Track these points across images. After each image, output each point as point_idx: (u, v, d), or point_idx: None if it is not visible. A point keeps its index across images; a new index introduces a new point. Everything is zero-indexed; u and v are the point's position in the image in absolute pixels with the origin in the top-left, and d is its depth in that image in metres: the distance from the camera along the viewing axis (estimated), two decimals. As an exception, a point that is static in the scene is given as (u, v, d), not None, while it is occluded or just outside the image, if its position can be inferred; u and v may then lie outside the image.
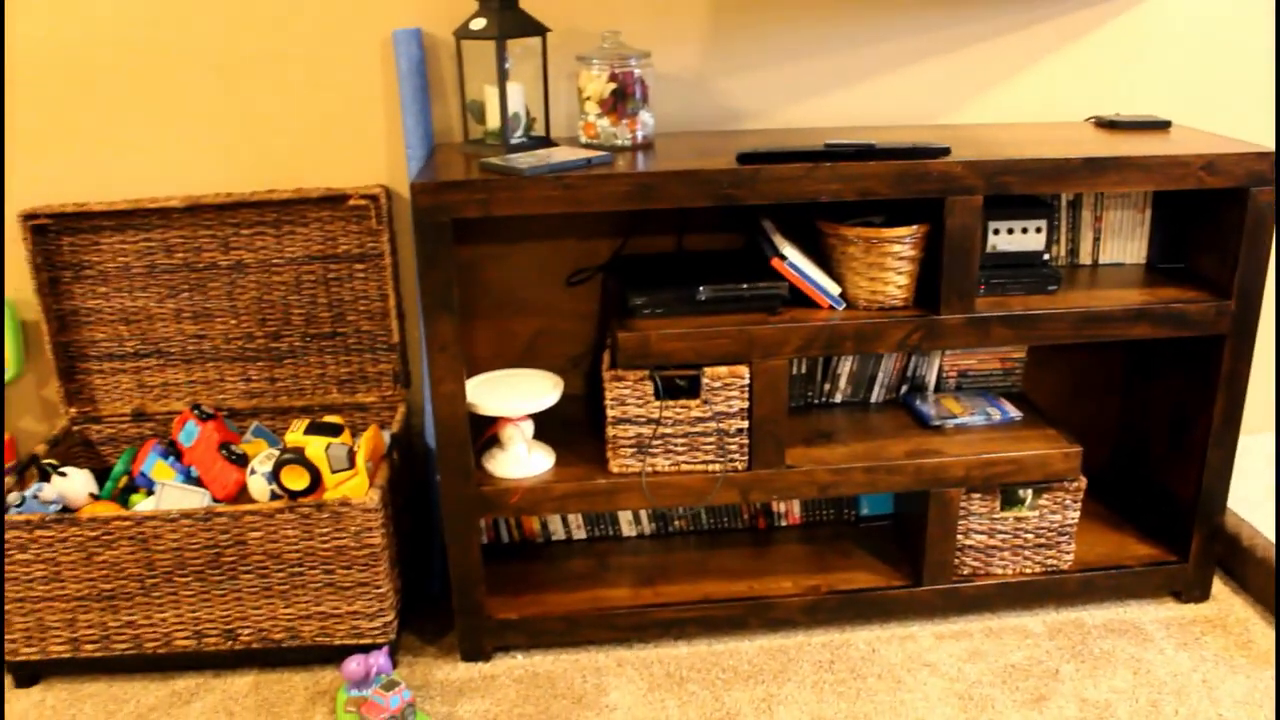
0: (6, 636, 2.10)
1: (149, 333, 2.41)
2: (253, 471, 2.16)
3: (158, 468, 2.26)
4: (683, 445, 2.05)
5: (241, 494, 2.18)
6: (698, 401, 2.03)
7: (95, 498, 2.21)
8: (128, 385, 2.44)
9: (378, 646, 2.12)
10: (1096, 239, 2.27)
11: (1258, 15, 2.35)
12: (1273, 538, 2.26)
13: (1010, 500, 2.16)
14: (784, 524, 2.45)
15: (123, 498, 2.28)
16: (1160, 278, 2.20)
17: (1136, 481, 2.45)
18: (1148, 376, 2.38)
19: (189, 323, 2.40)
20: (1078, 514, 2.18)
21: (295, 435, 2.10)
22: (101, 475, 2.39)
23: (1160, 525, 2.35)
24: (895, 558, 2.31)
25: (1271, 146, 2.01)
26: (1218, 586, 2.34)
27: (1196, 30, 2.36)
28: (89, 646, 2.12)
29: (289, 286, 2.37)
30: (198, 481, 2.23)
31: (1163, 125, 2.23)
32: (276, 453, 2.15)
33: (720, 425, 2.04)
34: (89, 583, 2.07)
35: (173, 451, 2.32)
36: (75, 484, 2.16)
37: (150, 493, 2.26)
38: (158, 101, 2.28)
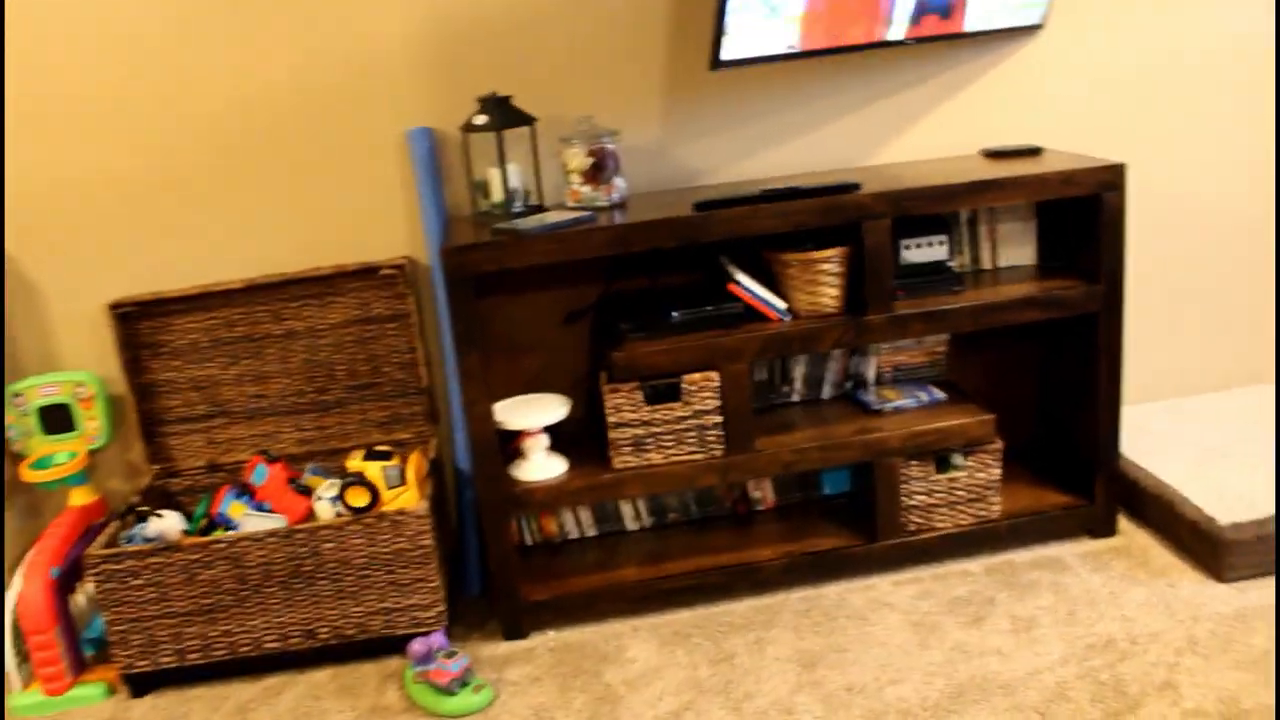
0: (123, 653, 2.53)
1: (215, 396, 2.87)
2: (318, 498, 2.61)
3: (233, 506, 2.71)
4: (670, 440, 2.53)
5: (309, 518, 2.63)
6: (680, 404, 2.50)
7: (186, 533, 2.65)
8: (199, 443, 2.90)
9: (435, 631, 2.56)
10: (994, 247, 2.78)
11: (1115, 52, 2.89)
12: (1167, 480, 2.73)
13: (943, 464, 2.64)
14: (761, 508, 2.92)
15: (205, 535, 2.72)
16: (1047, 274, 2.70)
17: (1056, 448, 2.94)
18: (1056, 359, 2.87)
19: (249, 385, 2.86)
20: (999, 471, 2.66)
21: (355, 462, 2.56)
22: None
23: (1073, 477, 2.83)
24: (854, 524, 2.78)
25: (1117, 160, 2.52)
26: (1125, 525, 2.82)
27: (1063, 69, 2.89)
28: (192, 655, 2.55)
29: (332, 347, 2.84)
30: (269, 512, 2.68)
31: (1035, 151, 2.75)
32: (339, 481, 2.62)
33: (699, 421, 2.52)
34: (191, 599, 2.51)
35: (245, 491, 2.77)
36: (171, 522, 2.61)
37: (229, 528, 2.70)
38: (214, 201, 2.77)
